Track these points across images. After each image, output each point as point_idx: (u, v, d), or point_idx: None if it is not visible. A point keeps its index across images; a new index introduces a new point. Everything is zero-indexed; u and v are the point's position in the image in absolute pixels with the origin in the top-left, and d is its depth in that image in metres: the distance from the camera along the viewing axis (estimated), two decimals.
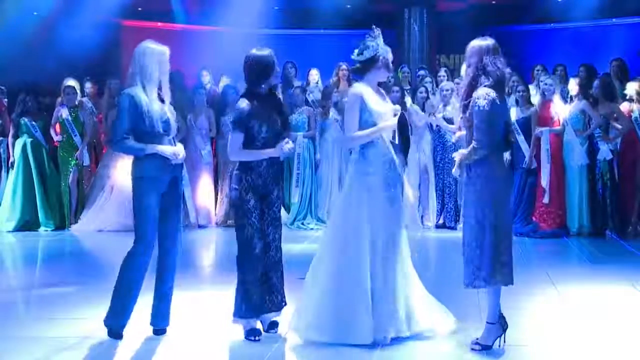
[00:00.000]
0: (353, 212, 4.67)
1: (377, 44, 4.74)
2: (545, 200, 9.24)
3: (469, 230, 4.50)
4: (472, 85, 4.50)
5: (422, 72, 10.84)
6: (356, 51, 4.79)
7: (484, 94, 4.40)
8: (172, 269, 4.91)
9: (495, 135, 4.47)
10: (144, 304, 4.88)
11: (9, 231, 9.86)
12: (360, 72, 4.82)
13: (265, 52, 4.86)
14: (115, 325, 4.76)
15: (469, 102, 4.46)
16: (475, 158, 4.43)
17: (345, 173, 9.88)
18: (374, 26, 4.81)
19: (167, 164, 4.79)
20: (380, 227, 4.67)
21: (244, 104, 4.75)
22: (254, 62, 4.82)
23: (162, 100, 4.87)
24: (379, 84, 4.89)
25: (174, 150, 4.82)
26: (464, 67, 4.78)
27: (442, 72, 10.78)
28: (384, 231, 4.68)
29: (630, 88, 9.32)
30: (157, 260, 4.88)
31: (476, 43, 4.53)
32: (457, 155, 4.54)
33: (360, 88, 4.75)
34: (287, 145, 4.81)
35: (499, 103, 4.44)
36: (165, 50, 4.85)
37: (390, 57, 4.82)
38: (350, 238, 4.64)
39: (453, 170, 4.65)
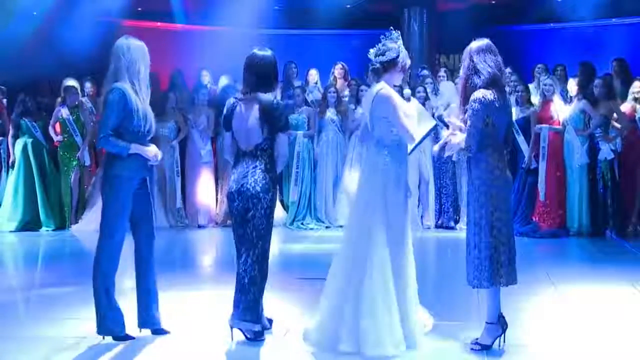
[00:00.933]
0: (394, 213, 4.60)
1: (399, 47, 4.73)
2: (541, 197, 9.25)
3: (470, 230, 4.50)
4: (467, 87, 4.50)
5: (424, 72, 10.82)
6: (372, 51, 4.74)
7: (480, 97, 4.40)
8: (151, 268, 4.84)
9: (495, 136, 4.47)
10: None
11: (11, 231, 9.88)
12: (378, 73, 4.74)
13: (268, 52, 4.81)
14: (116, 328, 4.72)
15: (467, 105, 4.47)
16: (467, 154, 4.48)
17: (341, 172, 10.01)
18: (391, 28, 4.79)
19: (145, 165, 4.75)
20: (407, 226, 4.69)
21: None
22: (270, 63, 4.77)
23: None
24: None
25: (155, 152, 4.79)
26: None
27: (442, 73, 10.77)
28: (408, 229, 4.70)
29: (636, 87, 9.29)
30: (135, 263, 4.82)
31: (469, 46, 4.55)
32: (451, 138, 4.55)
33: (388, 88, 4.69)
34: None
35: (497, 105, 4.43)
36: (144, 45, 4.77)
37: (408, 62, 4.81)
38: (395, 240, 4.57)
39: (435, 147, 4.63)
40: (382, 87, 4.67)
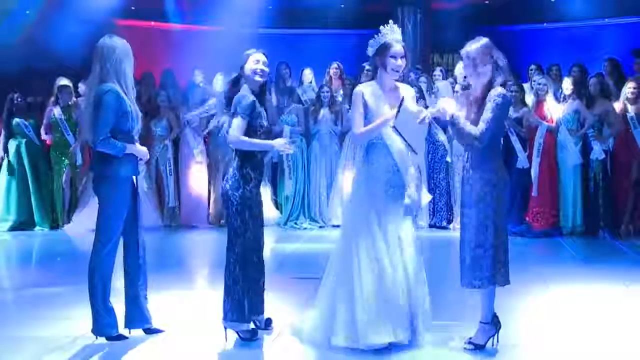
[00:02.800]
0: (360, 217, 4.60)
1: (383, 34, 4.58)
2: (534, 193, 9.25)
3: (470, 230, 4.46)
4: (490, 84, 4.39)
5: (412, 73, 10.77)
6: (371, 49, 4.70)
7: (504, 93, 4.35)
8: (140, 267, 4.82)
9: (500, 136, 4.50)
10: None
11: (5, 231, 9.85)
12: (373, 72, 4.73)
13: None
14: (110, 329, 4.72)
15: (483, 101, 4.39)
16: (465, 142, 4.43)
17: (335, 172, 10.02)
18: (391, 21, 4.64)
19: (137, 164, 4.78)
20: (388, 227, 4.61)
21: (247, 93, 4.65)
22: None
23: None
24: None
25: (145, 150, 4.83)
26: (459, 67, 4.74)
27: (438, 72, 10.75)
28: (394, 231, 4.62)
29: (629, 87, 9.31)
30: (124, 262, 4.80)
31: (479, 43, 4.40)
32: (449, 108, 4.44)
33: (362, 87, 4.68)
34: (287, 146, 4.82)
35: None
36: (128, 44, 4.72)
37: (398, 48, 4.56)
38: (371, 240, 4.56)
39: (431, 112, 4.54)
40: (359, 85, 4.69)
